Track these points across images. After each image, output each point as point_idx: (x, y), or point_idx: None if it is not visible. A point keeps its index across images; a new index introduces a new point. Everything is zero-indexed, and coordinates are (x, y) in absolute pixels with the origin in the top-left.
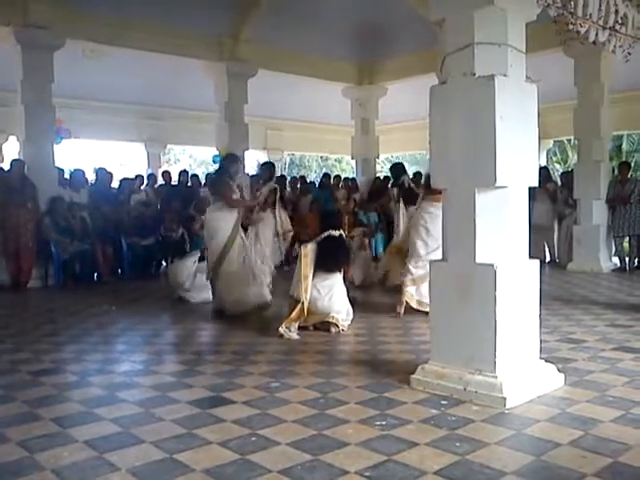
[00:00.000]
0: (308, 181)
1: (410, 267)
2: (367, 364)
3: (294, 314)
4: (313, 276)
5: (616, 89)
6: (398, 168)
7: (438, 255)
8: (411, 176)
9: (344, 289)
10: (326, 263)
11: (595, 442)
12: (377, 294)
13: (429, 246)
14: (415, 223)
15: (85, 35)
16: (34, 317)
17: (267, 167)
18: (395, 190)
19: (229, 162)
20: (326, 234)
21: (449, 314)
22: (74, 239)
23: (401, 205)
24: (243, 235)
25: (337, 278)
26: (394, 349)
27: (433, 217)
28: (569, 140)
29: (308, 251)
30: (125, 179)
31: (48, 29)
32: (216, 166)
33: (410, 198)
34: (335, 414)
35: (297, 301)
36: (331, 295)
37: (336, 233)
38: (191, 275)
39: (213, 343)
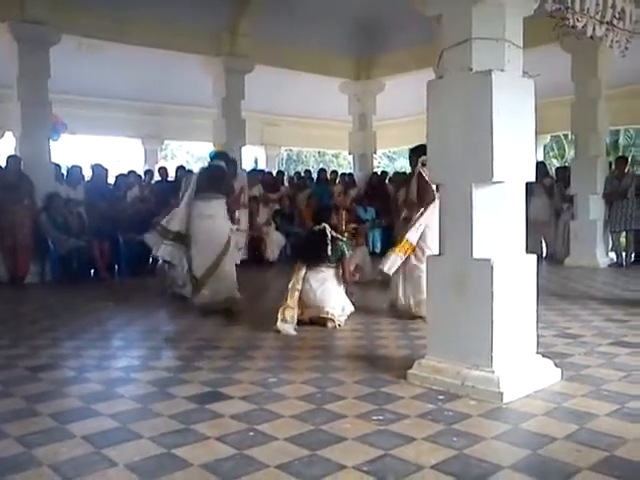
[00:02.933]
0: (308, 176)
1: None
2: (364, 359)
3: (284, 303)
4: (307, 270)
5: (613, 84)
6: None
7: None
8: (410, 171)
9: (340, 285)
10: (308, 257)
11: (591, 436)
12: (374, 290)
13: None
14: None
15: (82, 30)
16: (31, 313)
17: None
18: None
19: (232, 164)
20: (309, 229)
21: (446, 309)
22: (71, 235)
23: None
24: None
25: (330, 273)
26: (391, 344)
27: None
28: (565, 135)
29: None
30: (121, 175)
31: (44, 24)
32: (215, 162)
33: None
34: (332, 409)
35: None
36: (323, 289)
37: (316, 228)
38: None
39: (210, 339)
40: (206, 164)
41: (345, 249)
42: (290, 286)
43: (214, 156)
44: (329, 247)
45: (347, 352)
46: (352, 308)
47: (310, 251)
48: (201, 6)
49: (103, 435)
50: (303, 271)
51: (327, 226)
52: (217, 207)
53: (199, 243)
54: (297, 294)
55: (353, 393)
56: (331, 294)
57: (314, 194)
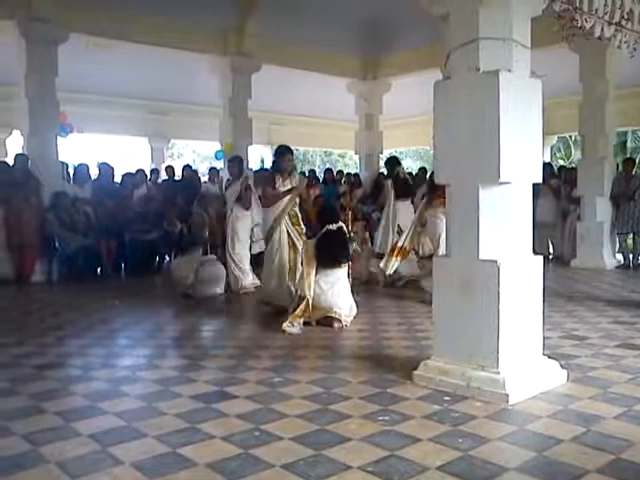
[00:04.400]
0: (313, 175)
1: None
2: (370, 360)
3: (298, 310)
4: (316, 272)
5: (621, 85)
6: (392, 161)
7: None
8: (415, 171)
9: (347, 285)
10: (325, 259)
11: (597, 439)
12: (380, 289)
13: None
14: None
15: (89, 29)
16: (38, 311)
17: (236, 162)
18: (390, 183)
19: (237, 162)
20: (324, 230)
21: (452, 310)
22: (77, 234)
23: (392, 200)
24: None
25: (340, 274)
26: (397, 345)
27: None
28: (570, 136)
29: (309, 247)
30: (127, 174)
31: (52, 23)
32: (218, 162)
33: (403, 191)
34: (338, 409)
35: (302, 297)
36: (334, 291)
37: (334, 227)
38: (192, 270)
39: (216, 338)
40: None
41: (355, 247)
42: (304, 293)
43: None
44: (349, 246)
45: (353, 352)
46: (355, 310)
47: (335, 252)
48: (208, 6)
49: (109, 433)
50: (313, 275)
51: (344, 225)
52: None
53: None
54: (311, 302)
55: (359, 393)
56: (340, 296)
57: (321, 194)
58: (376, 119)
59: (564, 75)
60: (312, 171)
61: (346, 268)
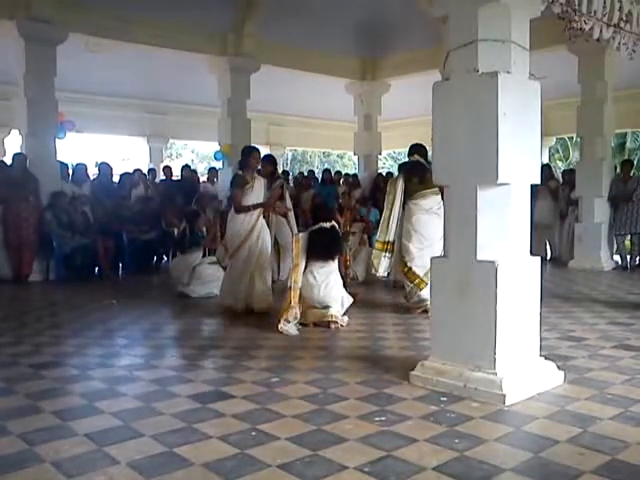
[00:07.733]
0: (312, 176)
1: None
2: (367, 360)
3: (285, 302)
4: (308, 264)
5: (620, 87)
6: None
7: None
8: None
9: (340, 279)
10: (319, 251)
11: (594, 440)
12: (378, 290)
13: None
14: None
15: (88, 29)
16: (35, 310)
17: (268, 161)
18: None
19: (242, 155)
20: (317, 226)
21: (449, 311)
22: (76, 233)
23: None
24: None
25: (333, 267)
26: (394, 345)
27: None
28: (570, 138)
29: (299, 240)
30: (125, 173)
31: (51, 23)
32: (217, 163)
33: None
34: (334, 410)
35: (287, 288)
36: (327, 282)
37: (327, 225)
38: (190, 269)
39: (213, 338)
40: None
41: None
42: (291, 285)
43: None
44: (340, 243)
45: (350, 353)
46: (351, 299)
47: (328, 246)
48: (207, 6)
49: (105, 433)
50: (302, 267)
51: (335, 224)
52: None
53: None
54: (298, 292)
55: (355, 394)
56: (333, 288)
57: (319, 195)
58: (375, 120)
59: (563, 77)
60: (311, 172)
61: (336, 262)
